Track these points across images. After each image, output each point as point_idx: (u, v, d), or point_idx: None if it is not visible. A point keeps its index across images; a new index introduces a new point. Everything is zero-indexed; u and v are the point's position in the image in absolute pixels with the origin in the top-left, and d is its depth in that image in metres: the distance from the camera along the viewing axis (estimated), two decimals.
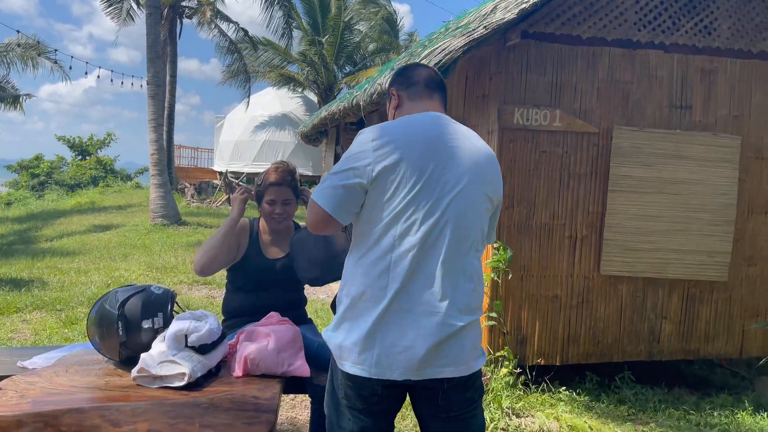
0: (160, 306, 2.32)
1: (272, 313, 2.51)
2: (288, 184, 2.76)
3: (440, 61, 3.80)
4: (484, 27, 3.88)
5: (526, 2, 3.91)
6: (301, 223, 2.96)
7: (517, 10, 3.90)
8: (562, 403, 4.09)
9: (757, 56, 4.72)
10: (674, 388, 4.73)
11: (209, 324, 2.17)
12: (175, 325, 2.13)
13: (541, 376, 4.42)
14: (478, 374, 1.83)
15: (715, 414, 4.21)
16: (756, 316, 4.84)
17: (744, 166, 4.67)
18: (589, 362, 4.64)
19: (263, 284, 2.74)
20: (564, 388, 4.36)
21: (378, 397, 1.75)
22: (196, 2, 18.55)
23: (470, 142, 1.84)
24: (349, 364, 1.74)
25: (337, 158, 11.87)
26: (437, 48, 4.01)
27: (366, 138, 1.76)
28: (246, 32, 19.22)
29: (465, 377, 1.75)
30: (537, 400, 4.16)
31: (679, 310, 4.70)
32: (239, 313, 2.76)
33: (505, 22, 3.88)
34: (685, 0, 4.56)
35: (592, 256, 4.54)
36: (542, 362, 4.49)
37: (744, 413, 4.28)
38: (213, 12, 18.64)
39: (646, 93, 4.54)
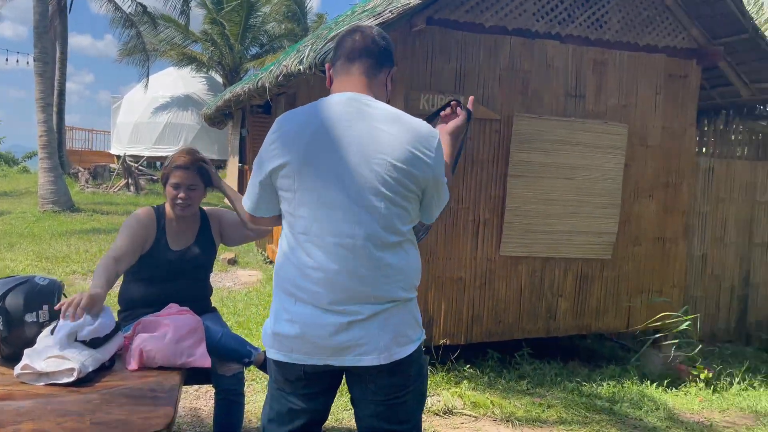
0: (45, 298, 2.17)
1: (171, 305, 2.41)
2: (195, 169, 2.63)
3: None
4: (390, 11, 3.89)
5: None
6: (206, 208, 2.86)
7: None
8: (465, 381, 4.24)
9: (643, 49, 5.03)
10: (569, 362, 5.02)
11: (101, 316, 2.06)
12: (64, 322, 1.99)
13: (447, 355, 4.56)
14: (408, 360, 1.76)
15: (605, 384, 4.51)
16: (641, 293, 5.22)
17: (630, 153, 4.99)
18: (492, 340, 4.83)
19: (170, 275, 2.61)
20: (468, 366, 4.52)
21: (304, 381, 1.78)
22: None
23: (375, 125, 1.68)
24: (273, 351, 1.77)
25: (242, 141, 11.57)
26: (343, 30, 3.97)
27: (270, 132, 1.77)
28: (144, 7, 18.18)
29: (388, 364, 1.73)
30: (443, 379, 4.28)
31: (573, 289, 4.98)
32: (139, 304, 2.60)
33: (411, 7, 3.91)
34: None
35: (494, 238, 4.70)
36: (448, 342, 4.62)
37: (630, 382, 4.62)
38: None
39: (544, 82, 4.73)
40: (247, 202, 1.83)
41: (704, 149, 6.09)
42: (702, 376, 4.85)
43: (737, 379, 4.96)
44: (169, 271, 2.62)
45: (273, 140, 1.73)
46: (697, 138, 5.84)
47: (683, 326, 4.99)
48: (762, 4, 10.70)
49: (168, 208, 2.70)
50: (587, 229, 4.89)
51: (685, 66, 5.20)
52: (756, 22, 5.65)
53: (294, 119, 1.75)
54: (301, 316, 1.70)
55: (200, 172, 2.66)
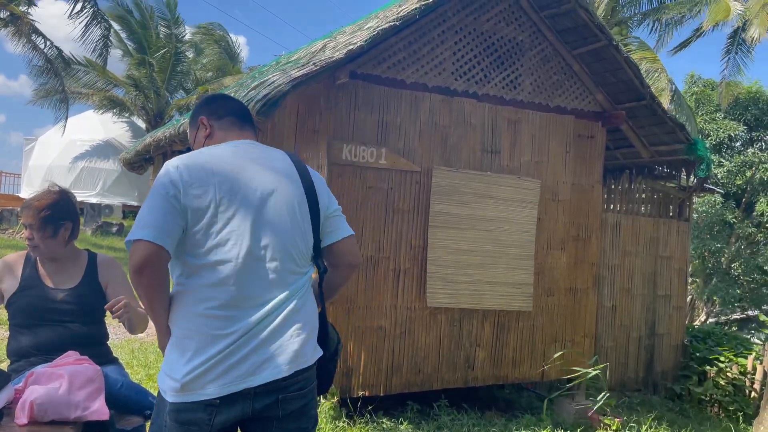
0: None
1: (69, 352, 2.27)
2: (45, 209, 2.45)
3: (269, 93, 3.81)
4: (314, 64, 3.97)
5: (354, 44, 4.08)
6: (100, 255, 2.68)
7: (345, 50, 4.05)
8: None
9: (553, 110, 5.36)
10: (487, 412, 5.06)
11: None
12: None
13: (366, 406, 4.49)
14: None
15: None
16: (554, 342, 5.38)
17: (543, 207, 5.23)
18: (412, 391, 4.81)
19: (46, 319, 2.42)
20: (387, 418, 4.47)
21: None
22: (7, 13, 16.70)
23: (275, 163, 1.85)
24: None
25: None
26: (267, 80, 4.02)
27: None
28: (60, 51, 17.61)
29: None
30: (360, 431, 4.20)
31: (491, 339, 5.08)
32: (24, 353, 2.42)
33: (334, 61, 4.01)
34: (495, 55, 5.07)
35: (414, 287, 4.75)
36: (367, 393, 4.56)
37: (545, 431, 4.69)
38: (29, 26, 16.92)
39: (462, 137, 4.93)
40: None
41: (612, 206, 6.47)
42: (612, 426, 5.00)
43: (645, 428, 5.14)
44: (43, 314, 2.44)
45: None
46: (605, 195, 6.21)
47: (593, 374, 5.16)
48: (656, 75, 11.67)
49: None
50: (506, 280, 5.03)
51: (592, 127, 5.57)
52: (653, 89, 6.16)
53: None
54: None
55: (47, 212, 2.45)
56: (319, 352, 1.84)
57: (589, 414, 5.21)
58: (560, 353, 5.32)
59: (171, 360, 1.69)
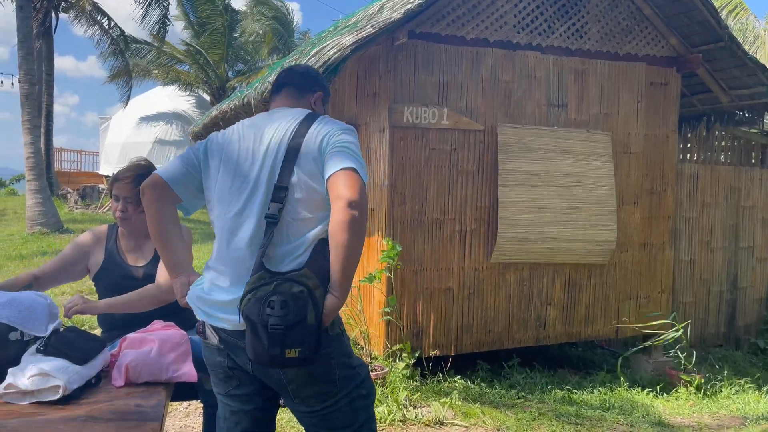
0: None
1: (156, 321, 2.40)
2: (133, 181, 2.55)
3: (329, 59, 3.82)
4: (372, 26, 3.94)
5: (412, 2, 4.01)
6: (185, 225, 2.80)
7: (403, 10, 3.99)
8: (456, 392, 4.23)
9: (623, 58, 5.11)
10: (559, 370, 5.04)
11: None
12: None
13: (438, 366, 4.56)
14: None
15: (595, 392, 4.52)
16: (629, 299, 5.25)
17: (615, 160, 5.04)
18: (482, 350, 4.83)
19: (129, 291, 2.51)
20: (459, 377, 4.52)
21: None
22: None
23: (272, 123, 1.89)
24: None
25: None
26: (326, 46, 4.02)
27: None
28: (122, 32, 18.18)
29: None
30: (433, 390, 4.27)
31: (562, 297, 5.01)
32: (112, 325, 2.58)
33: (392, 22, 3.96)
34: (558, 4, 4.86)
35: (481, 248, 4.72)
36: (438, 353, 4.62)
37: (621, 389, 4.63)
38: (91, 5, 17.52)
39: (527, 92, 4.79)
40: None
41: (688, 156, 6.16)
42: (693, 381, 4.88)
43: (727, 383, 4.98)
44: (128, 288, 2.53)
45: None
46: (681, 145, 5.92)
47: (672, 333, 5.01)
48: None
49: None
50: (585, 237, 4.87)
51: (665, 74, 5.29)
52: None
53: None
54: None
55: (138, 183, 2.43)
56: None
57: (668, 370, 5.09)
58: (636, 311, 5.19)
59: None
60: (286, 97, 2.03)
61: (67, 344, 2.07)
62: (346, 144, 1.78)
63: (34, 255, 9.99)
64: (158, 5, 15.28)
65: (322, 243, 1.77)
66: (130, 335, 2.33)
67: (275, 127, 1.87)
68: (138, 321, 2.49)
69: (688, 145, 6.17)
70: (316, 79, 2.10)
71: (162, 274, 2.55)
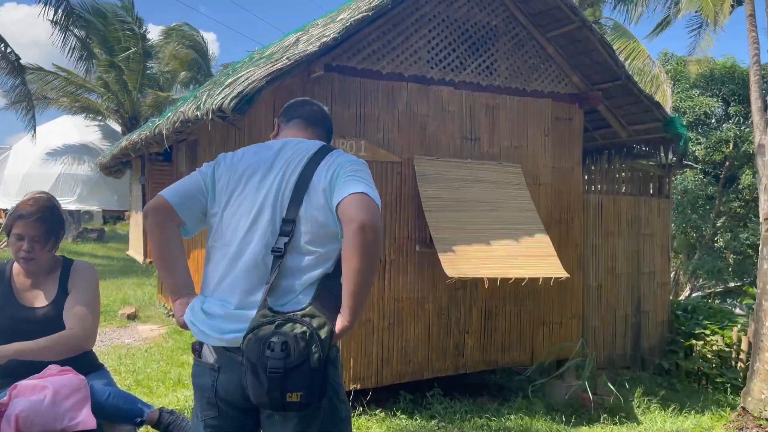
0: None
1: (51, 366, 2.21)
2: (41, 219, 2.37)
3: (243, 90, 3.76)
4: (287, 58, 3.93)
5: (327, 36, 4.04)
6: (76, 260, 2.59)
7: (318, 43, 4.01)
8: (377, 425, 4.18)
9: (530, 94, 5.37)
10: (478, 398, 5.09)
11: None
12: None
13: (358, 399, 4.49)
14: None
15: (513, 418, 4.60)
16: (542, 325, 5.42)
17: None
18: (403, 381, 4.82)
19: (24, 337, 2.27)
20: (380, 410, 4.47)
21: None
22: None
23: (291, 148, 1.89)
24: None
25: (143, 190, 11.09)
26: (241, 77, 3.97)
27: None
28: (18, 57, 17.22)
29: None
30: (354, 424, 4.20)
31: (479, 325, 5.09)
32: (12, 371, 2.34)
33: (308, 54, 3.97)
34: (469, 42, 5.06)
35: (400, 279, 4.74)
36: (359, 386, 4.56)
37: (538, 415, 4.73)
38: None
39: (441, 125, 4.92)
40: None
41: (593, 187, 6.51)
42: (605, 404, 5.06)
43: (635, 404, 5.21)
44: (23, 333, 2.30)
45: None
46: (585, 176, 6.25)
47: (581, 356, 5.20)
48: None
49: (17, 263, 2.44)
50: (528, 254, 4.87)
51: (569, 110, 5.59)
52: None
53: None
54: None
55: (47, 221, 2.38)
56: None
57: (581, 393, 5.26)
58: (549, 335, 5.36)
59: None
60: (308, 135, 2.02)
61: None
62: (357, 172, 1.76)
63: None
64: (71, 33, 14.58)
65: (330, 277, 1.75)
66: (21, 382, 2.15)
67: (287, 158, 1.84)
68: (36, 367, 2.28)
69: (592, 177, 6.53)
70: (331, 126, 2.14)
71: (76, 319, 2.31)
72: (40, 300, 2.42)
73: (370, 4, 4.22)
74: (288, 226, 1.76)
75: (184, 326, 1.85)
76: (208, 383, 1.79)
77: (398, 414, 4.48)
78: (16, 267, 2.45)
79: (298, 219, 1.76)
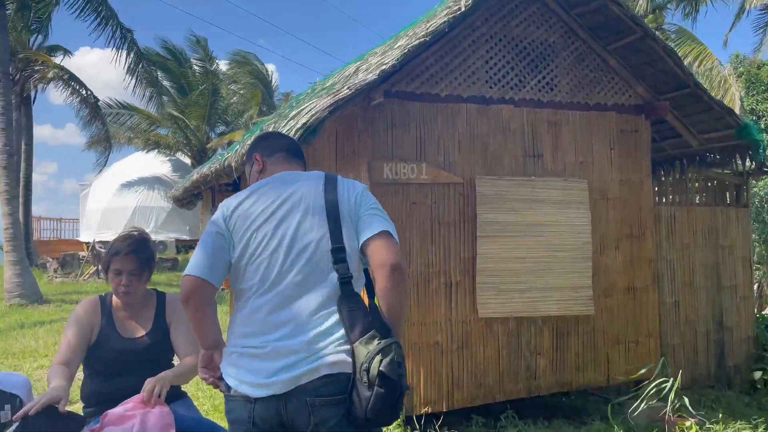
0: (7, 398, 2.09)
1: (136, 395, 2.33)
2: (135, 252, 2.55)
3: (308, 121, 3.88)
4: (348, 88, 4.03)
5: (386, 64, 4.12)
6: (168, 294, 2.77)
7: (378, 71, 4.09)
8: None
9: (593, 108, 5.26)
10: (554, 421, 4.95)
11: None
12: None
13: (429, 424, 4.46)
14: None
15: None
16: (617, 344, 5.23)
17: (592, 206, 5.12)
18: (475, 405, 4.75)
19: (124, 367, 2.47)
20: None
21: None
22: (45, 66, 17.53)
23: (303, 182, 1.99)
24: None
25: None
26: (304, 108, 4.09)
27: None
28: (97, 99, 18.35)
29: None
30: None
31: (551, 345, 4.98)
32: (100, 399, 2.49)
33: (367, 83, 4.06)
34: (528, 59, 5.03)
35: (467, 300, 4.71)
36: (429, 410, 4.53)
37: None
38: (68, 75, 17.76)
39: (502, 144, 4.89)
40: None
41: (664, 198, 6.28)
42: (689, 427, 4.81)
43: (721, 426, 4.92)
44: (122, 363, 2.48)
45: None
46: (656, 188, 6.03)
47: (662, 376, 4.98)
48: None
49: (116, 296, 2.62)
50: (563, 284, 4.91)
51: (635, 121, 5.44)
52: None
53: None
54: None
55: (141, 256, 2.56)
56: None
57: (662, 415, 5.02)
58: (626, 354, 5.16)
59: None
60: (300, 165, 2.16)
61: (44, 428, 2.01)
62: (376, 206, 1.95)
63: (12, 328, 9.75)
64: (139, 73, 15.47)
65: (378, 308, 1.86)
66: (112, 411, 2.26)
67: (302, 191, 1.93)
68: (124, 396, 2.41)
69: (663, 189, 6.30)
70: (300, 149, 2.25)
71: (192, 347, 2.53)
72: (138, 331, 2.58)
73: (428, 29, 4.28)
74: (339, 253, 1.84)
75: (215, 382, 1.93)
76: (245, 416, 1.82)
77: None
78: (114, 301, 2.61)
79: (345, 246, 1.86)
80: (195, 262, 1.90)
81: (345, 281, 1.81)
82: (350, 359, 1.75)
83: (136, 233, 2.65)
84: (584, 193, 5.06)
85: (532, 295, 4.83)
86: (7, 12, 13.39)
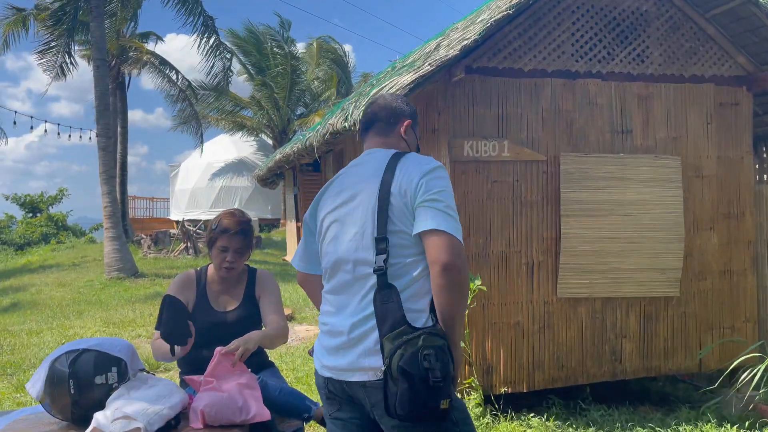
0: (114, 361, 2.25)
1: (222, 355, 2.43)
2: (241, 233, 2.70)
3: None
4: (429, 64, 3.99)
5: (467, 39, 4.04)
6: (259, 270, 2.89)
7: (459, 47, 4.03)
8: (531, 430, 4.09)
9: (689, 80, 4.96)
10: (639, 406, 4.79)
11: (168, 405, 2.13)
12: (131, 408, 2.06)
13: (509, 403, 4.42)
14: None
15: (681, 429, 4.27)
16: (710, 330, 4.98)
17: (686, 185, 4.85)
18: (556, 386, 4.67)
19: (216, 338, 2.57)
20: (532, 414, 4.37)
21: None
22: (139, 51, 18.43)
23: (363, 166, 1.98)
24: None
25: (296, 200, 11.82)
26: (385, 86, 4.10)
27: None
28: (189, 82, 19.17)
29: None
30: (506, 428, 4.14)
31: (638, 329, 4.80)
32: (194, 367, 2.64)
33: (449, 59, 4.00)
34: (617, 30, 4.80)
35: (550, 280, 4.61)
36: (509, 390, 4.49)
37: (708, 426, 4.35)
38: (159, 60, 18.61)
39: (589, 120, 4.71)
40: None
41: (766, 177, 5.86)
42: None
43: None
44: (213, 335, 2.60)
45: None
46: (757, 165, 5.64)
47: (764, 364, 4.69)
48: None
49: (211, 270, 2.77)
50: (651, 266, 4.73)
51: (736, 93, 5.09)
52: None
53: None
54: None
55: (246, 234, 2.72)
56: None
57: (759, 404, 4.75)
58: (719, 340, 4.90)
59: None
60: (376, 134, 2.08)
61: (149, 387, 2.15)
62: (434, 195, 1.79)
63: (112, 299, 10.45)
64: (220, 55, 16.01)
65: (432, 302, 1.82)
66: (206, 378, 2.38)
67: (365, 176, 1.92)
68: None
69: (765, 166, 5.88)
70: (401, 108, 2.09)
71: (279, 317, 2.71)
72: (231, 304, 2.73)
73: (511, 2, 4.16)
74: (381, 243, 1.81)
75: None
76: (321, 383, 1.95)
77: (551, 420, 4.35)
78: (210, 275, 2.77)
79: (389, 234, 1.81)
80: (297, 255, 2.19)
81: (380, 273, 1.79)
82: (380, 355, 1.74)
83: (241, 212, 2.82)
84: (677, 171, 4.80)
85: (616, 275, 4.67)
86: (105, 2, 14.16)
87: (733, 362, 4.66)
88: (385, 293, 1.77)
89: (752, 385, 4.72)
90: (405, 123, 2.06)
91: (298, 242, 10.12)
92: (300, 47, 23.12)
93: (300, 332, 7.50)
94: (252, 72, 22.34)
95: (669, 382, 5.49)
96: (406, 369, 1.65)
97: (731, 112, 5.06)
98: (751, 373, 4.71)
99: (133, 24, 18.86)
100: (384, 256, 1.78)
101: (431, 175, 1.82)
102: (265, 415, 2.23)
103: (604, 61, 4.76)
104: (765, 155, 5.81)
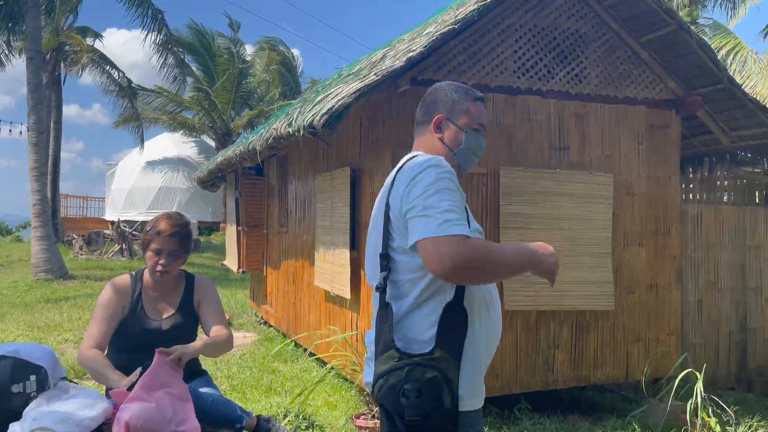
0: (33, 368, 2.14)
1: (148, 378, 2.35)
2: (177, 235, 2.59)
3: (333, 106, 3.87)
4: (375, 74, 4.01)
5: (413, 51, 4.09)
6: (196, 275, 2.81)
7: (405, 59, 4.07)
8: None
9: (623, 101, 5.18)
10: (570, 415, 4.92)
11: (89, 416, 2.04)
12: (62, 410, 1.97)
13: None
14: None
15: None
16: (637, 341, 5.18)
17: (617, 202, 5.05)
18: (491, 396, 4.73)
19: (150, 345, 2.46)
20: None
21: None
22: (77, 47, 17.75)
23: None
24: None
25: (237, 203, 11.59)
26: (330, 93, 4.09)
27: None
28: (130, 81, 18.58)
29: None
30: None
31: (570, 340, 4.94)
32: (124, 374, 2.55)
33: (394, 69, 4.03)
34: (558, 50, 4.96)
35: None
36: None
37: None
38: (99, 57, 17.98)
39: (528, 135, 4.84)
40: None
41: (691, 196, 6.17)
42: (712, 426, 4.75)
43: (742, 429, 4.86)
44: (147, 342, 2.51)
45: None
46: (683, 185, 5.93)
47: (682, 374, 4.92)
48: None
49: (146, 274, 2.66)
50: (585, 279, 4.88)
51: (665, 116, 5.35)
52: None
53: None
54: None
55: (182, 238, 2.62)
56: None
57: (680, 414, 4.97)
58: (645, 351, 5.11)
59: None
60: (416, 135, 1.95)
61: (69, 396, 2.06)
62: (412, 203, 1.64)
63: (38, 302, 9.96)
64: (172, 53, 15.59)
65: (448, 313, 1.65)
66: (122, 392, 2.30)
67: (384, 189, 1.81)
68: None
69: (691, 186, 6.19)
70: (434, 102, 1.91)
71: (221, 324, 2.63)
72: (166, 311, 2.63)
73: (456, 17, 4.23)
74: (384, 260, 1.71)
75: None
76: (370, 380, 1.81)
77: (486, 429, 4.41)
78: (146, 280, 2.66)
79: (391, 250, 1.71)
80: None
81: (380, 290, 1.70)
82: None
83: (178, 214, 2.72)
84: (609, 188, 4.99)
85: (558, 288, 4.78)
86: None
87: (665, 373, 4.87)
88: (382, 313, 1.68)
89: (672, 395, 4.95)
90: (437, 119, 1.87)
91: (237, 246, 9.85)
92: (249, 49, 22.83)
93: (237, 338, 7.36)
94: (196, 71, 21.90)
95: (597, 391, 5.68)
96: (381, 403, 1.60)
97: (661, 133, 5.31)
98: (673, 384, 4.93)
99: (72, 17, 18.16)
100: (385, 273, 1.69)
101: (413, 183, 1.66)
102: (196, 428, 2.17)
103: (544, 79, 4.91)
104: (691, 176, 6.11)
